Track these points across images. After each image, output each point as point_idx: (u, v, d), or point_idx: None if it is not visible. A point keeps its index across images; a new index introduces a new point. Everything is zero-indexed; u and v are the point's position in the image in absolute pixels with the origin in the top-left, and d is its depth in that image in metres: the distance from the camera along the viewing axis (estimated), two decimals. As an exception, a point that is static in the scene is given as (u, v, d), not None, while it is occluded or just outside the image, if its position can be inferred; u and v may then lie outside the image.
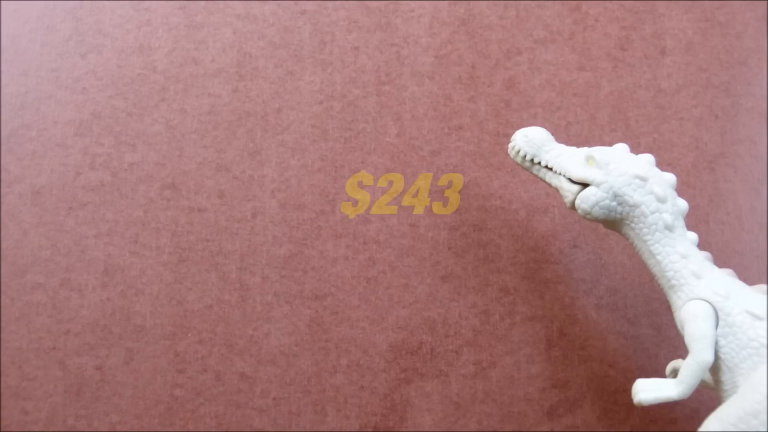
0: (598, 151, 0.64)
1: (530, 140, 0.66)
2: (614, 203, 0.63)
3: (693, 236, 0.64)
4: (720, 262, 0.78)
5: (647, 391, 0.59)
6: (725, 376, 0.60)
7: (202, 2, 0.80)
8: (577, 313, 0.76)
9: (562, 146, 0.66)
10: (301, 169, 0.77)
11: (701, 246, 0.78)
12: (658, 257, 0.63)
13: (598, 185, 0.63)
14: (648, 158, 0.64)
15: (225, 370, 0.72)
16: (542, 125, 0.80)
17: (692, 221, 0.79)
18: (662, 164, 0.80)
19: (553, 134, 0.80)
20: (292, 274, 0.75)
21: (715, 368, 0.60)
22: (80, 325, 0.72)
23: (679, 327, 0.62)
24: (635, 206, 0.62)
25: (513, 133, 0.80)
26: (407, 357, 0.74)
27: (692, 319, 0.60)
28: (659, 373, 0.74)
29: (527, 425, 0.73)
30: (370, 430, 0.72)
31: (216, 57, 0.79)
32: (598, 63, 0.83)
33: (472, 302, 0.75)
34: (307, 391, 0.72)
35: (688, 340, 0.59)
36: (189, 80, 0.78)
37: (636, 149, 0.80)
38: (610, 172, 0.63)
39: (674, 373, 0.67)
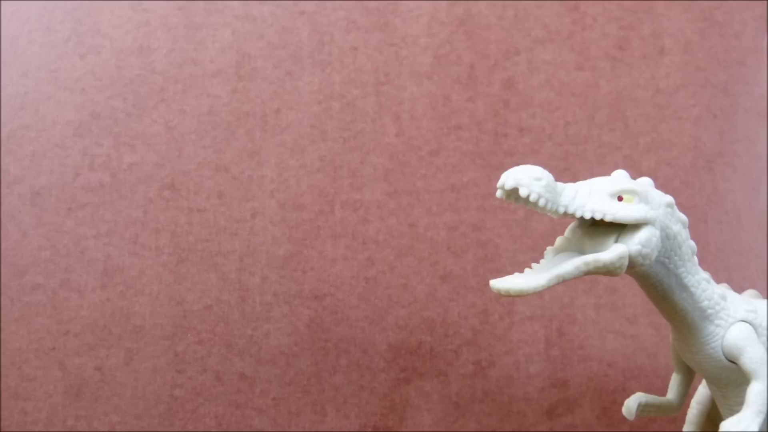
0: (634, 184, 0.54)
1: (546, 185, 0.50)
2: (662, 240, 0.54)
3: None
4: (719, 261, 0.78)
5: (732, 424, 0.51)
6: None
7: (201, 3, 0.80)
8: (576, 312, 0.76)
9: (569, 184, 0.52)
10: (300, 170, 0.77)
11: (700, 246, 0.78)
12: (692, 289, 0.55)
13: (653, 223, 0.53)
14: (649, 181, 0.56)
15: (225, 370, 0.72)
16: (541, 125, 0.80)
17: (691, 221, 0.79)
18: (661, 164, 0.81)
19: (551, 134, 0.80)
20: (292, 274, 0.75)
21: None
22: (80, 326, 0.72)
23: (722, 355, 0.56)
24: (673, 238, 0.54)
25: (512, 132, 0.80)
26: (407, 357, 0.74)
27: (749, 343, 0.55)
28: (657, 372, 0.74)
29: (527, 425, 0.73)
30: (369, 429, 0.72)
31: (215, 57, 0.79)
32: (596, 63, 0.83)
33: (471, 302, 0.75)
34: (307, 391, 0.73)
35: (753, 366, 0.54)
36: (188, 81, 0.78)
37: (635, 149, 0.80)
38: (654, 206, 0.53)
39: (699, 408, 0.61)
